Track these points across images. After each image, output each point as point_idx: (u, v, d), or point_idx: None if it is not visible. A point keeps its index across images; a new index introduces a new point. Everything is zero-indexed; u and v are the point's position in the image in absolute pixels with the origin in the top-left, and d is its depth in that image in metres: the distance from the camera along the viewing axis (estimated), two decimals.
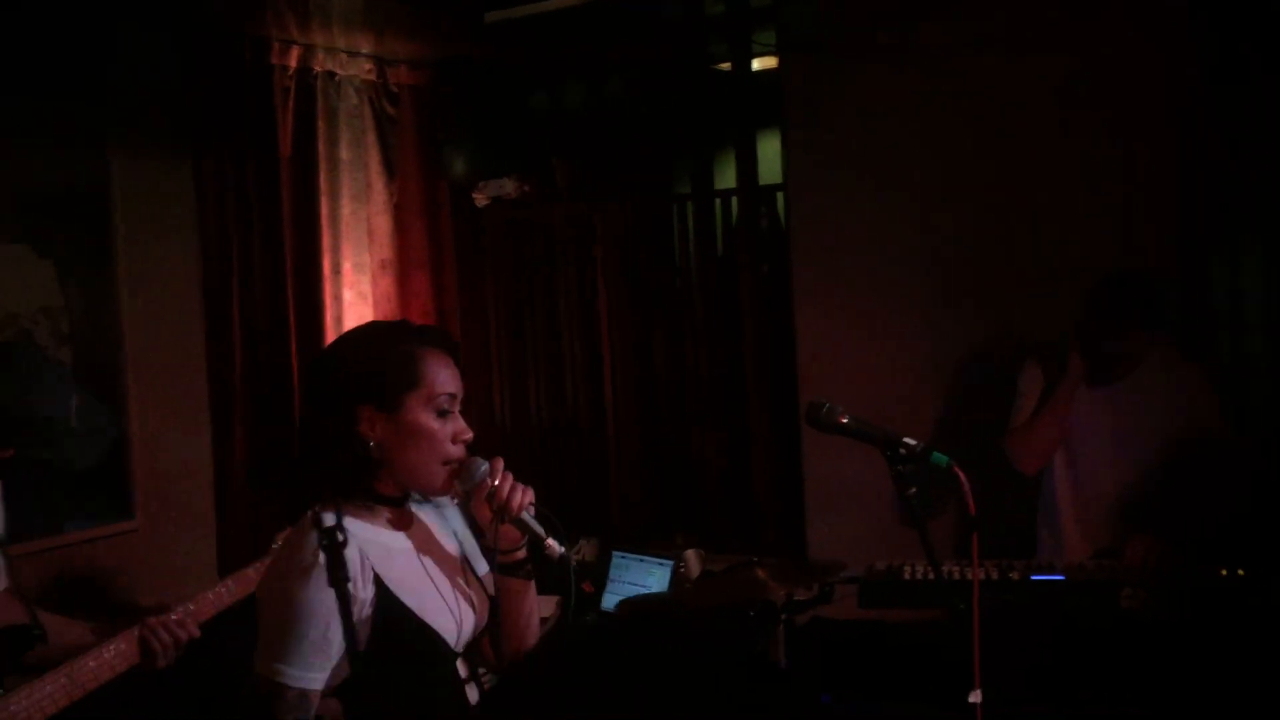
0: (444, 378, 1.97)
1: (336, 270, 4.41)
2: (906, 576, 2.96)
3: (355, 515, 1.94)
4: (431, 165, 4.75)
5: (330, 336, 4.34)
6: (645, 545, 3.84)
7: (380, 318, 4.55)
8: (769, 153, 4.40)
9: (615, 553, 3.78)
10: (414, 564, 1.98)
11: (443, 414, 1.95)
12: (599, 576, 3.79)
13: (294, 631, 1.83)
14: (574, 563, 2.07)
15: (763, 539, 4.39)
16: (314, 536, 1.86)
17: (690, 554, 3.80)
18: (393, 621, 1.90)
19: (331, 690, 1.90)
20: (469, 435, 1.98)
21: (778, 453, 4.38)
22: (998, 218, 3.76)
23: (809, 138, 4.11)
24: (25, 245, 3.60)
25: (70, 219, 3.71)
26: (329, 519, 1.87)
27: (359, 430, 1.91)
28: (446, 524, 2.14)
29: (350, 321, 4.43)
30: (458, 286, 4.82)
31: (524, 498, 1.97)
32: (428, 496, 2.06)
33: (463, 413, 2.01)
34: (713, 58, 4.60)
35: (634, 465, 4.71)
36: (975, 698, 1.89)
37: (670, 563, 3.67)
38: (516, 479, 1.99)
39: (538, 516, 1.99)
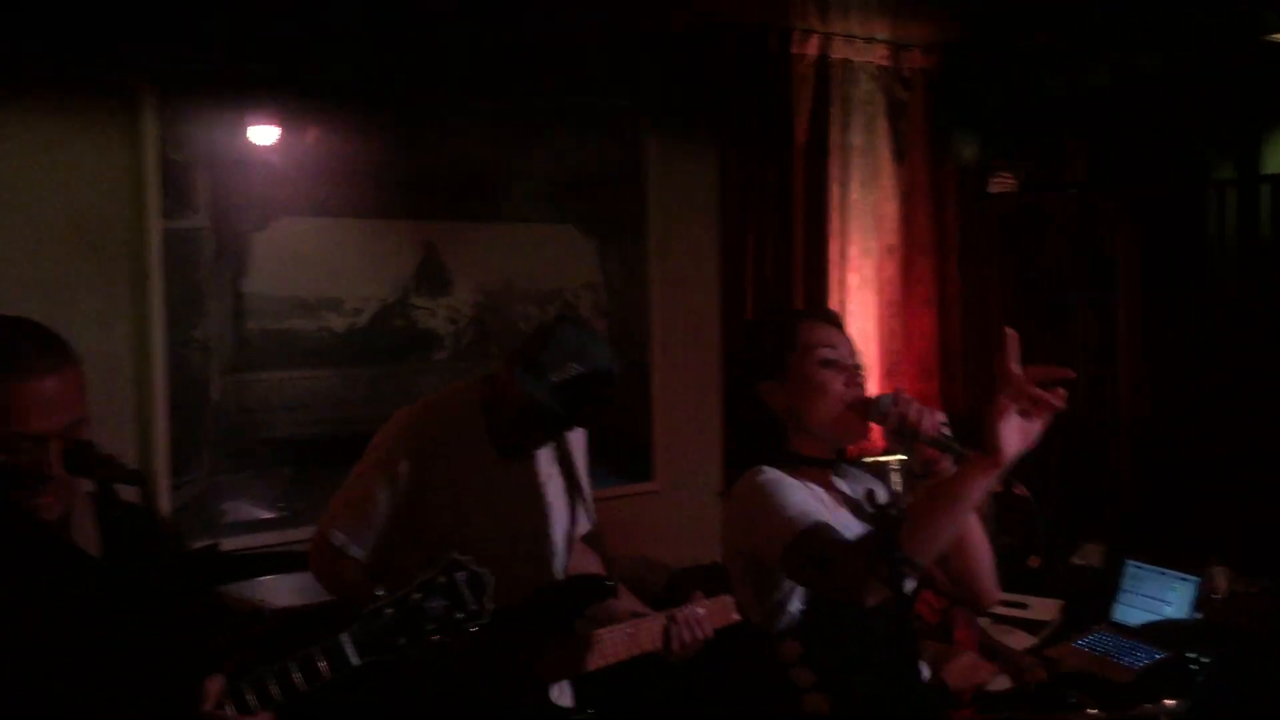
0: (819, 335, 2.11)
1: (843, 255, 4.48)
2: None
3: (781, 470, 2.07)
4: (940, 150, 4.70)
5: None
6: (1163, 556, 3.57)
7: (884, 303, 4.57)
8: None
9: (1129, 561, 3.56)
10: (839, 516, 2.05)
11: (827, 364, 2.08)
12: (1109, 585, 3.58)
13: (777, 502, 1.98)
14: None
15: None
16: (752, 473, 2.06)
17: (1218, 570, 3.49)
18: None
19: (788, 632, 2.03)
20: (862, 377, 2.11)
21: None
22: None
23: None
24: (572, 225, 3.99)
25: (610, 201, 4.07)
26: (761, 469, 2.06)
27: (763, 403, 2.09)
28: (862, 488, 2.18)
29: (854, 306, 4.49)
30: (961, 274, 4.73)
31: (933, 420, 1.99)
32: (851, 443, 2.18)
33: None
34: (1265, 27, 4.16)
35: (1146, 468, 4.40)
36: None
37: (1194, 579, 3.39)
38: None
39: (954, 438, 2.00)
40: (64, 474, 1.60)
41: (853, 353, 2.13)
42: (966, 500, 1.84)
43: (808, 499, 2.01)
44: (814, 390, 2.07)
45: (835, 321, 2.18)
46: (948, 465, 2.05)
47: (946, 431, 1.99)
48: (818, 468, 2.13)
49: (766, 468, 2.06)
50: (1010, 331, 1.83)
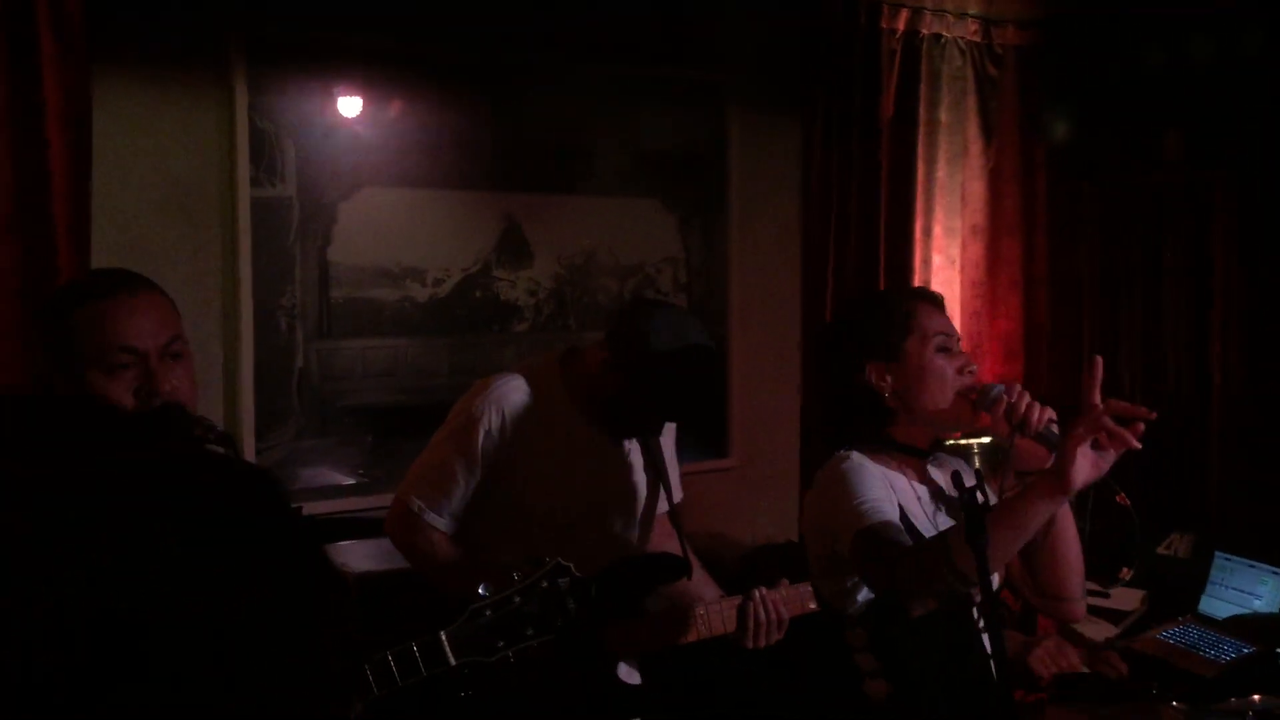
0: (937, 321, 2.10)
1: (927, 234, 4.41)
2: None
3: (869, 456, 2.07)
4: (1031, 129, 4.59)
5: None
6: (1256, 548, 3.47)
7: (968, 283, 4.50)
8: None
9: (1218, 553, 3.46)
10: (920, 508, 2.04)
11: (943, 350, 2.07)
12: (1195, 577, 3.49)
13: (854, 490, 1.98)
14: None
15: None
16: (838, 458, 2.07)
17: None
18: None
19: (857, 617, 2.02)
20: (974, 366, 2.11)
21: None
22: None
23: None
24: (655, 200, 3.98)
25: (692, 176, 4.04)
26: (848, 454, 2.07)
27: (870, 385, 2.07)
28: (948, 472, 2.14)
29: (937, 285, 4.41)
30: (1049, 255, 4.63)
31: (1043, 414, 1.97)
32: (956, 431, 2.20)
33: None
34: None
35: (1238, 457, 4.27)
36: None
37: None
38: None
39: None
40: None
41: (959, 338, 2.14)
42: (1026, 523, 1.83)
43: (882, 494, 1.99)
44: (930, 376, 2.05)
45: (942, 305, 2.18)
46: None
47: (1055, 429, 1.96)
48: (913, 457, 2.10)
49: (853, 453, 2.05)
50: (1097, 359, 1.83)
